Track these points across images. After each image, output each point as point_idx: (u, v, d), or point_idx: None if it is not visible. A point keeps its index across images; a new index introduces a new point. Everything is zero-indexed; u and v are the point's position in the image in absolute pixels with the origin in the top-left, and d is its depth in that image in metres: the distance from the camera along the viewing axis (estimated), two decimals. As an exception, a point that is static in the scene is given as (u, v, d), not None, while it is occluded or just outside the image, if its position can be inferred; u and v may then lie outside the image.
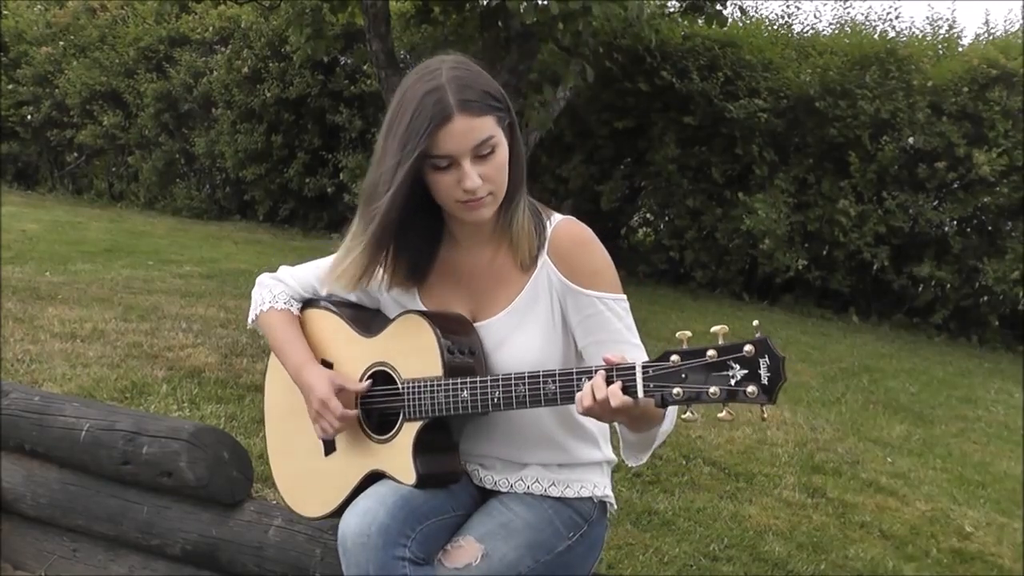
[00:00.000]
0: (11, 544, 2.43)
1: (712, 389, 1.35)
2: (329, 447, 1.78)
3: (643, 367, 1.41)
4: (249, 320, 1.87)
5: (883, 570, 3.05)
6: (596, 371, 1.45)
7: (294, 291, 1.84)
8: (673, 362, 1.38)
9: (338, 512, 1.75)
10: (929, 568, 3.13)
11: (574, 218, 1.69)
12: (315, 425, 1.73)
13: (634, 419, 1.49)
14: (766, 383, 1.33)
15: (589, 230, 1.68)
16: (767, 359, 1.33)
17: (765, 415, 1.36)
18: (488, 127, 1.55)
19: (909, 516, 3.53)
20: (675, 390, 1.38)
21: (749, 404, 1.34)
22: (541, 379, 1.51)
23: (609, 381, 1.43)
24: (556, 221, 1.68)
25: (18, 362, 3.93)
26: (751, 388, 1.33)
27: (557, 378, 1.50)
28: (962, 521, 3.55)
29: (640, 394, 1.41)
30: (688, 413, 1.40)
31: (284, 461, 1.89)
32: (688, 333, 1.39)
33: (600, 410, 1.44)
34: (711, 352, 1.36)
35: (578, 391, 1.47)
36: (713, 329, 1.36)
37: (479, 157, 1.55)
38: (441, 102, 1.52)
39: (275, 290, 1.84)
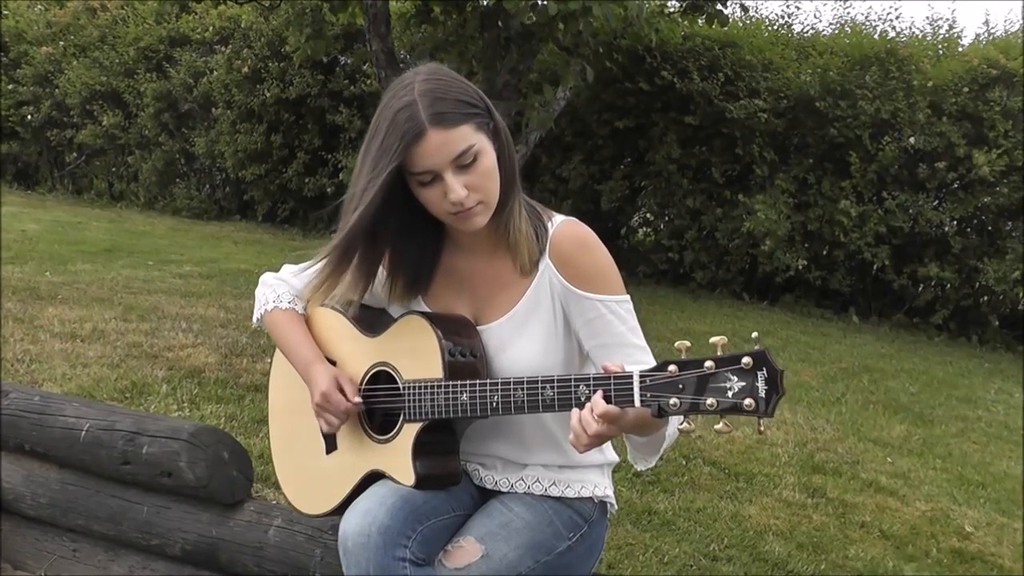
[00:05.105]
0: (11, 544, 2.43)
1: (709, 401, 1.34)
2: (330, 445, 1.78)
3: (640, 376, 1.40)
4: (254, 319, 1.88)
5: (883, 570, 3.05)
6: (594, 381, 1.45)
7: (297, 290, 1.84)
8: (671, 372, 1.38)
9: (338, 510, 1.76)
10: (929, 568, 3.13)
11: (575, 219, 1.68)
12: (319, 420, 1.73)
13: (635, 427, 1.47)
14: (764, 396, 1.32)
15: (590, 231, 1.66)
16: (765, 372, 1.32)
17: (762, 428, 1.35)
18: (465, 136, 1.53)
19: (909, 516, 3.53)
20: (672, 400, 1.37)
21: (746, 416, 1.34)
22: (540, 385, 1.51)
23: (607, 393, 1.42)
24: (557, 223, 1.66)
25: (18, 362, 3.94)
26: (748, 401, 1.32)
27: (555, 384, 1.50)
28: (962, 521, 3.55)
29: (637, 403, 1.40)
30: (685, 423, 1.40)
31: (287, 458, 1.90)
32: (687, 343, 1.38)
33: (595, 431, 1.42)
34: (709, 363, 1.35)
35: (575, 398, 1.47)
36: (712, 340, 1.36)
37: (462, 167, 1.53)
38: (413, 119, 1.50)
39: (279, 290, 1.85)
